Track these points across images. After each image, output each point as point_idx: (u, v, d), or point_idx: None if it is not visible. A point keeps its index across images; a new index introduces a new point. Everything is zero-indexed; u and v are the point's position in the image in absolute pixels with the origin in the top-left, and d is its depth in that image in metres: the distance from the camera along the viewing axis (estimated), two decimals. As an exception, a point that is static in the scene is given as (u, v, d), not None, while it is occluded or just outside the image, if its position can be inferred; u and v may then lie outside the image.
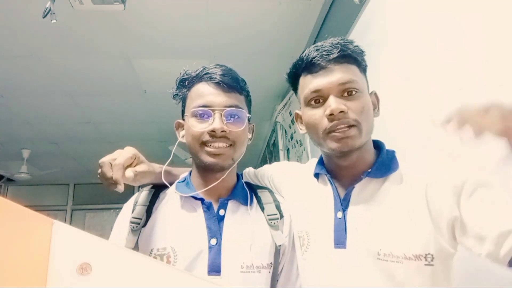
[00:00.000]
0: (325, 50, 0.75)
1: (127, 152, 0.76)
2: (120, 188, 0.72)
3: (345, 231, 0.72)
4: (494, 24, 0.81)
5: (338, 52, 0.74)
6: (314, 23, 2.19)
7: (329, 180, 0.80)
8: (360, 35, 1.51)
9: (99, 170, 0.73)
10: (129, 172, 0.72)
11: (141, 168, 0.77)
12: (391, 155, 0.79)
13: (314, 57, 0.75)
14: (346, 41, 0.77)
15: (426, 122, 1.04)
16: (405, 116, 1.16)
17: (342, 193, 0.77)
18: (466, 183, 0.63)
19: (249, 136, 0.90)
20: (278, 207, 0.88)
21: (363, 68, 0.79)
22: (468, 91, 0.88)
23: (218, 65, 0.87)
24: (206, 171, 0.85)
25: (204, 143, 0.80)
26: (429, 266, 0.64)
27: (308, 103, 0.77)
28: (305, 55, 0.77)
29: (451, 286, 0.67)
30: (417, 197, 0.69)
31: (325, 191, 0.80)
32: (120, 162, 0.72)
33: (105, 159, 0.72)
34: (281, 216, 0.86)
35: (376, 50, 1.31)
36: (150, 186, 0.89)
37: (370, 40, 1.39)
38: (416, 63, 1.10)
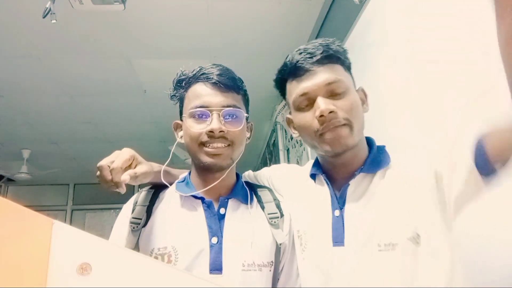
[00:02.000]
0: (308, 53, 0.75)
1: (124, 154, 0.76)
2: (122, 190, 0.73)
3: (343, 229, 0.73)
4: (495, 23, 0.81)
5: (321, 53, 0.75)
6: (314, 23, 2.19)
7: (325, 180, 0.81)
8: (360, 35, 1.51)
9: (98, 173, 0.73)
10: (125, 176, 0.72)
11: (141, 169, 0.77)
12: (382, 150, 0.80)
13: (298, 61, 0.76)
14: (328, 42, 0.78)
15: (426, 122, 1.04)
16: (405, 116, 1.16)
17: (338, 191, 0.78)
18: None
19: (248, 135, 0.91)
20: (278, 206, 0.88)
21: (347, 66, 0.80)
22: (469, 91, 0.88)
23: (215, 65, 0.87)
24: (205, 171, 0.85)
25: (202, 144, 0.80)
26: (418, 248, 0.65)
27: (297, 107, 0.77)
28: (289, 60, 0.78)
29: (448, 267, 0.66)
30: (407, 184, 0.70)
31: (322, 191, 0.81)
32: (118, 165, 0.72)
33: (103, 163, 0.72)
34: (282, 215, 0.87)
35: (376, 50, 1.31)
36: (150, 186, 0.89)
37: (370, 40, 1.39)
38: (416, 63, 1.10)
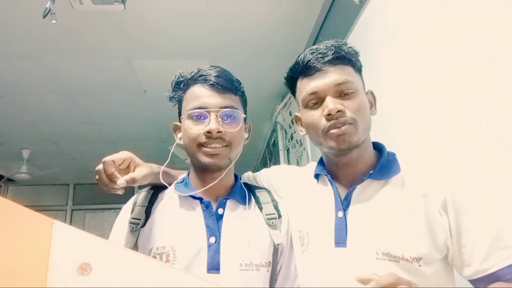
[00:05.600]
0: (320, 53, 0.77)
1: (119, 154, 0.77)
2: (120, 192, 0.74)
3: (346, 230, 0.73)
4: (495, 23, 0.81)
5: (333, 54, 0.76)
6: (314, 23, 2.19)
7: (329, 180, 0.81)
8: (360, 35, 1.51)
9: (97, 177, 0.74)
10: (121, 181, 0.72)
11: (140, 173, 0.78)
12: (392, 157, 0.80)
13: (309, 60, 0.77)
14: (340, 43, 0.79)
15: (426, 122, 1.04)
16: (405, 117, 1.16)
17: (342, 193, 0.78)
18: (449, 197, 0.67)
19: (246, 136, 0.92)
20: (276, 207, 0.89)
21: (358, 68, 0.81)
22: (469, 91, 0.88)
23: (212, 66, 0.88)
24: (204, 171, 0.85)
25: (201, 144, 0.81)
26: (421, 268, 0.66)
27: (306, 105, 0.79)
28: (300, 59, 0.79)
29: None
30: (415, 202, 0.70)
31: (326, 191, 0.81)
32: (110, 158, 0.74)
33: (100, 167, 0.74)
34: (279, 216, 0.87)
35: (376, 50, 1.31)
36: (149, 187, 0.90)
37: (370, 40, 1.39)
38: (416, 63, 1.10)
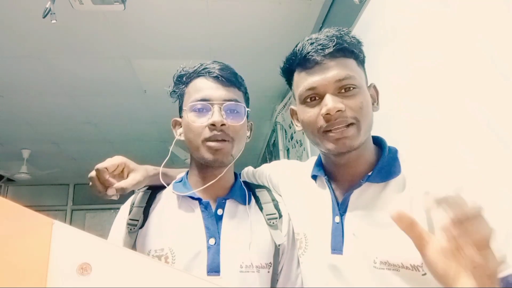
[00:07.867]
0: (320, 44, 0.70)
1: (112, 159, 0.76)
2: (115, 197, 0.73)
3: (342, 236, 0.70)
4: (495, 23, 0.81)
5: (334, 46, 0.69)
6: (314, 23, 2.19)
7: (326, 183, 0.78)
8: (360, 35, 1.50)
9: (90, 183, 0.74)
10: (111, 191, 0.72)
11: (133, 180, 0.76)
12: (394, 155, 0.75)
13: (308, 52, 0.70)
14: (342, 33, 0.72)
15: (426, 123, 1.04)
16: (405, 117, 1.16)
17: (340, 196, 0.75)
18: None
19: (248, 134, 0.90)
20: (276, 207, 0.87)
21: (360, 61, 0.75)
22: (469, 91, 0.87)
23: (216, 61, 0.86)
24: (204, 168, 0.84)
25: (205, 139, 0.79)
26: (424, 275, 0.62)
27: (303, 101, 0.73)
28: (298, 49, 0.73)
29: None
30: (416, 206, 0.66)
31: (323, 194, 0.78)
32: (102, 165, 0.73)
33: (93, 174, 0.73)
34: (280, 216, 0.86)
35: (376, 50, 1.31)
36: (146, 187, 0.89)
37: (370, 40, 1.38)
38: (416, 63, 1.10)
